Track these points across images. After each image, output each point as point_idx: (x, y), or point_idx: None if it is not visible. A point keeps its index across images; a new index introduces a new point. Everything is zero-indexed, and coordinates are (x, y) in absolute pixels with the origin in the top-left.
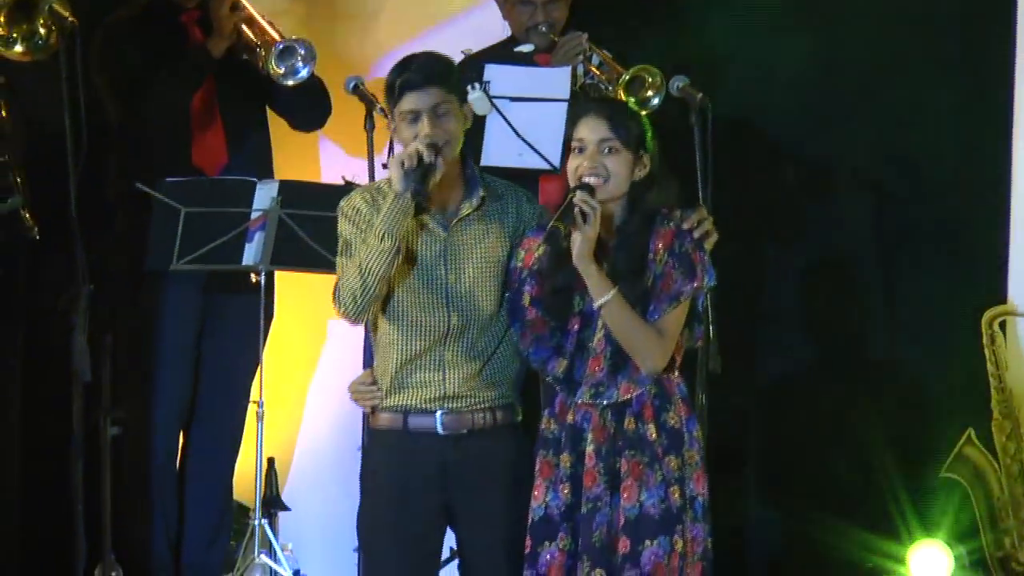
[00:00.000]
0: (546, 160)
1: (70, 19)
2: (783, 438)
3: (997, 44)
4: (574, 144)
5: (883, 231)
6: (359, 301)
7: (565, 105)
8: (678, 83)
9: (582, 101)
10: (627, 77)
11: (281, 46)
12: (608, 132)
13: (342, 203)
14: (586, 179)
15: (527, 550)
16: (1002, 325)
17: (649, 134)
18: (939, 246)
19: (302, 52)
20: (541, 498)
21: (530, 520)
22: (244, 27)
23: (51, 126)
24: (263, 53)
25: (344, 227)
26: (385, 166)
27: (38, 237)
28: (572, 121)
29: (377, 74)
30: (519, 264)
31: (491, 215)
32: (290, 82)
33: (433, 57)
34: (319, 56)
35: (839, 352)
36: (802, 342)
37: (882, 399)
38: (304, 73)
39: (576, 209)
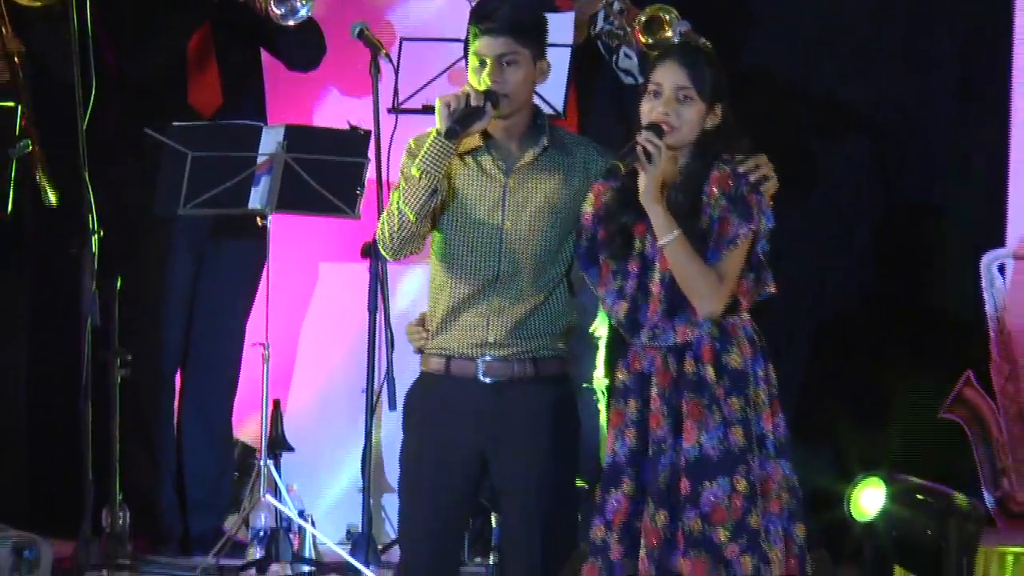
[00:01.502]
0: (549, 104)
1: None
2: (789, 378)
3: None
4: (651, 87)
5: (888, 177)
6: (396, 238)
7: (568, 50)
8: (681, 27)
9: (666, 46)
10: (643, 18)
11: None
12: (686, 80)
13: (411, 140)
14: (659, 123)
15: (597, 499)
16: (1001, 268)
17: (725, 84)
18: (940, 191)
19: None
20: (611, 447)
21: (604, 469)
22: None
23: (57, 72)
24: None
25: (405, 162)
26: (391, 111)
27: (55, 202)
28: (652, 64)
29: (388, 18)
30: (590, 209)
31: (555, 165)
32: (290, 22)
33: (516, 6)
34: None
35: (835, 290)
36: (799, 283)
37: (885, 343)
38: (303, 13)
39: (640, 148)
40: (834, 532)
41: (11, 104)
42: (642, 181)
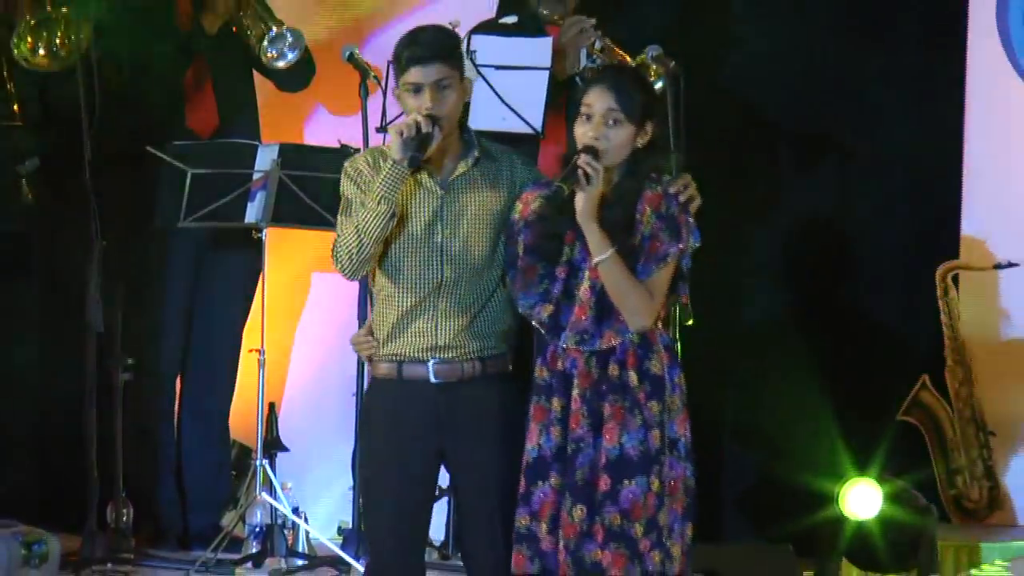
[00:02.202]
0: (528, 124)
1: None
2: (756, 385)
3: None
4: (582, 109)
5: (849, 195)
6: (355, 260)
7: (547, 73)
8: (652, 52)
9: (598, 68)
10: (634, 64)
11: (273, 34)
12: (614, 103)
13: (346, 164)
14: (593, 145)
15: (522, 490)
16: (955, 279)
17: (655, 104)
18: (899, 207)
19: (290, 39)
20: (535, 441)
21: (525, 462)
22: (236, 8)
23: (60, 92)
24: (253, 35)
25: (347, 186)
26: (378, 130)
27: (33, 200)
28: (586, 86)
29: (374, 46)
30: (516, 216)
31: (486, 175)
32: (280, 65)
33: (440, 33)
34: (320, 25)
35: (807, 305)
36: (768, 292)
37: (845, 348)
38: (292, 57)
39: (580, 171)
40: (801, 528)
41: (19, 124)
42: (579, 201)
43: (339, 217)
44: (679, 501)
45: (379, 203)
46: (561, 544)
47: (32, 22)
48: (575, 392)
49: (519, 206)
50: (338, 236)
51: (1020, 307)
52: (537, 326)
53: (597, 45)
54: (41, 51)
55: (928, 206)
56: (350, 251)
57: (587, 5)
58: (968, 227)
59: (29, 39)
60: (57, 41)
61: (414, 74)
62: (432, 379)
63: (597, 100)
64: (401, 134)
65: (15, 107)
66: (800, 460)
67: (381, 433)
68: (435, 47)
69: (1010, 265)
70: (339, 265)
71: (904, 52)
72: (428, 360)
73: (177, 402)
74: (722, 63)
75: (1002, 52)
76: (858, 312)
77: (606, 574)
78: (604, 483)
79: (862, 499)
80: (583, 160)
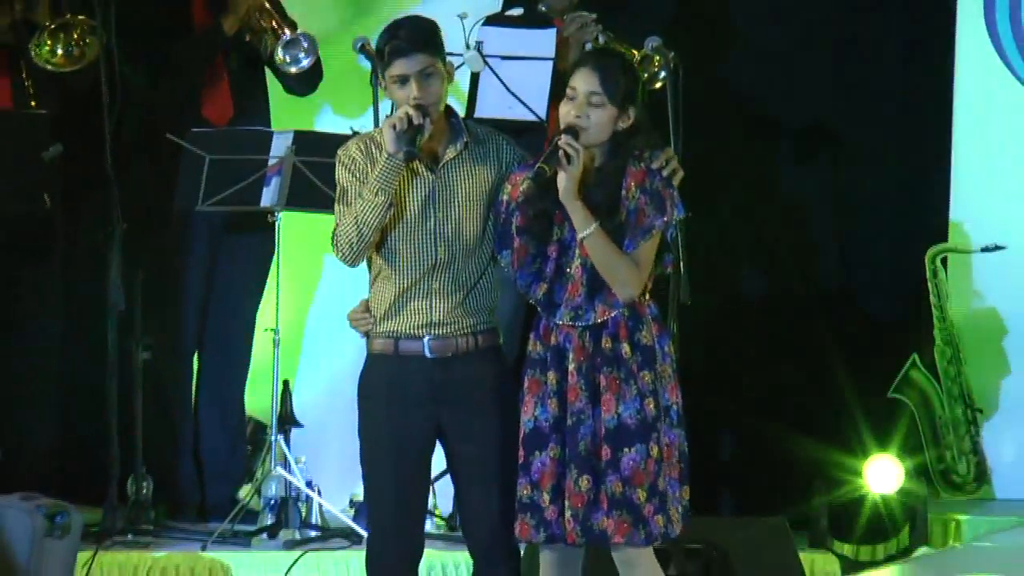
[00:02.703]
0: (533, 112)
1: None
2: (752, 363)
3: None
4: (568, 91)
5: (841, 179)
6: (355, 248)
7: (551, 63)
8: (652, 42)
9: (584, 53)
10: (638, 57)
11: (287, 39)
12: (596, 86)
13: (340, 152)
14: (573, 126)
15: (520, 460)
16: (944, 261)
17: (639, 88)
18: (892, 193)
19: (305, 45)
20: (531, 413)
21: (522, 433)
22: (256, 13)
23: (80, 82)
24: (269, 40)
25: (341, 174)
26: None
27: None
28: (571, 69)
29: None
30: (505, 197)
31: (475, 157)
32: (292, 70)
33: (418, 23)
34: (345, 14)
35: (799, 284)
36: (766, 275)
37: (838, 328)
38: (305, 63)
39: (560, 151)
40: (794, 501)
41: (44, 112)
42: (562, 180)
43: (336, 206)
44: (674, 467)
45: (376, 194)
46: (569, 514)
47: (51, 27)
48: (571, 366)
49: (508, 187)
50: (337, 225)
51: (1007, 289)
52: (533, 303)
53: (600, 40)
54: (60, 53)
55: (918, 192)
56: (350, 240)
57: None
58: (956, 211)
59: (48, 43)
60: (74, 44)
61: (398, 66)
62: (428, 354)
63: (581, 82)
64: (394, 127)
65: (32, 102)
66: (799, 434)
67: (379, 407)
68: (415, 38)
69: (996, 248)
70: (339, 254)
71: (895, 47)
72: (424, 336)
73: (195, 380)
74: (720, 56)
75: (990, 48)
76: (850, 293)
77: (611, 540)
78: (605, 453)
79: (883, 474)
80: (563, 140)
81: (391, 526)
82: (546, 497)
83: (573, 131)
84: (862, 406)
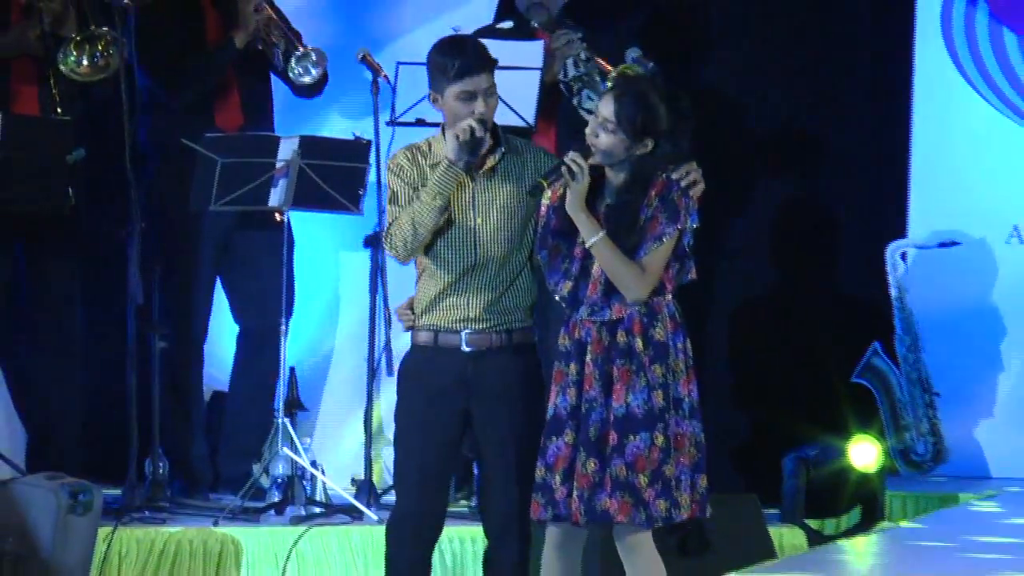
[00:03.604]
0: (522, 118)
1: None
2: (720, 349)
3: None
4: (594, 112)
5: (808, 181)
6: (409, 246)
7: (539, 72)
8: (632, 54)
9: (620, 79)
10: (613, 73)
11: (299, 53)
12: (612, 114)
13: (389, 161)
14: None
15: (541, 445)
16: (903, 256)
17: (657, 119)
18: (854, 192)
19: (314, 58)
20: (553, 400)
21: (546, 419)
22: (264, 26)
23: (101, 91)
24: (281, 51)
25: (391, 180)
26: (388, 123)
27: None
28: (608, 90)
29: (396, 46)
30: (546, 202)
31: (512, 168)
32: (305, 80)
33: (480, 45)
34: (339, 31)
35: (770, 279)
36: (739, 270)
37: (807, 318)
38: (315, 74)
39: (564, 167)
40: (765, 479)
41: (68, 119)
42: (569, 194)
43: (389, 207)
44: (687, 455)
45: (434, 198)
46: (575, 493)
47: (78, 38)
48: (588, 358)
49: (548, 193)
50: (391, 224)
51: (962, 282)
52: (559, 300)
53: (583, 56)
54: (85, 63)
55: (880, 193)
56: (405, 239)
57: (572, 12)
58: (915, 210)
59: (75, 53)
60: (99, 55)
61: (468, 83)
62: (464, 348)
63: (603, 106)
64: (458, 138)
65: (58, 109)
66: (768, 418)
67: (415, 394)
68: (484, 58)
69: (953, 244)
70: (393, 251)
71: (859, 57)
72: (461, 331)
73: (231, 372)
74: (698, 66)
75: (946, 56)
76: (818, 287)
77: (613, 519)
78: (612, 438)
79: (865, 454)
80: (569, 157)
81: (417, 503)
82: (558, 479)
83: (586, 148)
84: (827, 391)
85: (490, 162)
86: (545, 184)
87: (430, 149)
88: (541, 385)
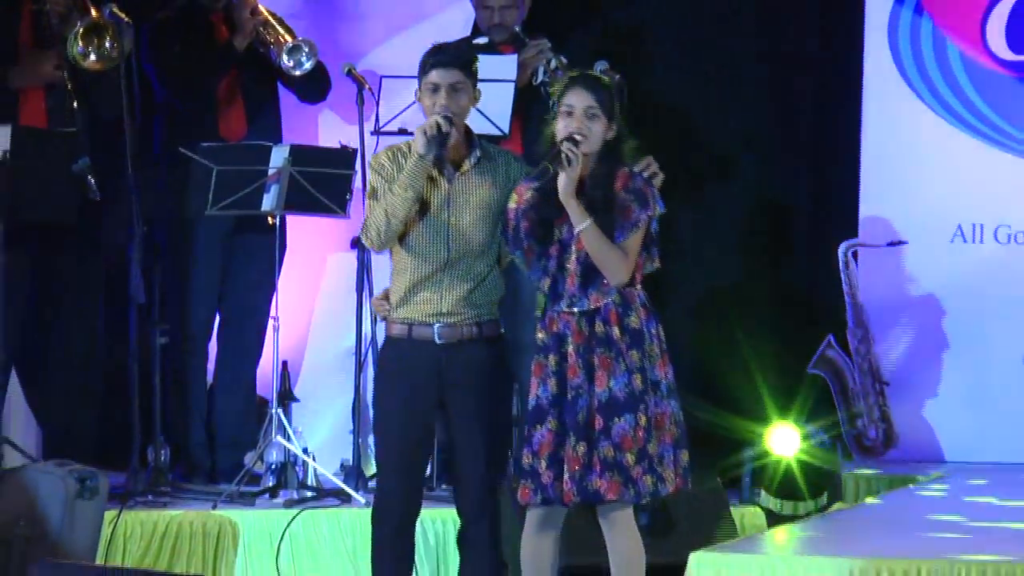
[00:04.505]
0: (496, 127)
1: (127, 20)
2: (689, 345)
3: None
4: (563, 109)
5: (763, 183)
6: (383, 236)
7: (512, 85)
8: (600, 66)
9: (573, 75)
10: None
11: (290, 45)
12: (592, 101)
13: (371, 159)
14: (574, 135)
15: (525, 434)
16: (855, 254)
17: (617, 107)
18: (808, 193)
19: (306, 50)
20: (534, 392)
21: (528, 409)
22: (261, 28)
23: (108, 105)
24: (276, 49)
25: (372, 177)
26: (373, 133)
27: (99, 198)
28: (562, 90)
29: (369, 61)
30: (513, 205)
31: (486, 171)
32: (297, 72)
33: (460, 47)
34: (324, 46)
35: (729, 275)
36: (698, 268)
37: (764, 313)
38: (308, 66)
39: (563, 155)
40: (726, 463)
41: (73, 130)
42: (562, 180)
43: (368, 201)
44: (668, 433)
45: (406, 190)
46: (567, 475)
47: (84, 28)
48: (570, 348)
49: (515, 196)
50: (368, 217)
51: (909, 279)
52: (542, 294)
53: (552, 64)
54: (93, 57)
55: (832, 193)
56: (379, 229)
57: (529, 29)
58: (865, 211)
59: (81, 43)
60: (107, 45)
61: (434, 76)
62: (437, 340)
63: (577, 99)
64: (425, 133)
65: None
66: (728, 406)
67: (392, 384)
68: (455, 56)
69: (900, 243)
70: (368, 240)
71: (810, 65)
72: (434, 324)
73: (214, 363)
74: (655, 77)
75: (892, 64)
76: (773, 283)
77: (604, 498)
78: (598, 422)
79: (784, 440)
80: (566, 146)
81: (397, 487)
82: (543, 464)
83: (573, 140)
84: (785, 381)
85: (465, 166)
86: (551, 167)
87: (409, 149)
88: (509, 374)
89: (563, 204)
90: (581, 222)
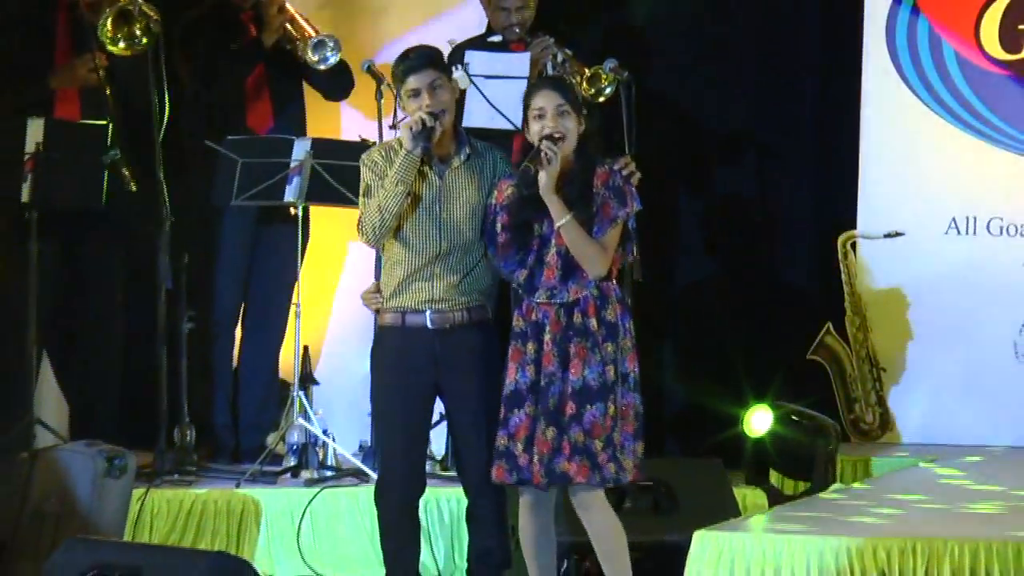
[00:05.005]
0: (511, 122)
1: (155, 18)
2: (693, 331)
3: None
4: (534, 112)
5: (766, 176)
6: (378, 231)
7: (525, 81)
8: (610, 64)
9: (536, 79)
10: (588, 74)
11: (315, 40)
12: (561, 100)
13: (363, 156)
14: (552, 134)
15: (501, 416)
16: (853, 245)
17: (581, 101)
18: (809, 188)
19: (331, 44)
20: (512, 377)
21: (504, 394)
22: (288, 25)
23: (139, 98)
24: (302, 45)
25: (365, 174)
26: (392, 127)
27: (135, 189)
28: (528, 95)
29: (385, 57)
30: (493, 201)
31: (474, 167)
32: (322, 67)
33: (425, 47)
34: (344, 44)
35: (733, 266)
36: (705, 258)
37: (766, 302)
38: (332, 60)
39: (543, 154)
40: (728, 445)
41: (104, 122)
42: (543, 178)
43: (361, 199)
44: (630, 424)
45: (396, 185)
46: (535, 458)
47: (115, 14)
48: (547, 337)
49: (496, 193)
50: (362, 213)
51: (905, 269)
52: (516, 287)
53: (559, 59)
54: (122, 44)
55: (832, 187)
56: (374, 225)
57: (537, 28)
58: (863, 204)
59: (110, 29)
60: (137, 30)
61: (412, 81)
62: (429, 325)
63: (546, 101)
64: (411, 129)
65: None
66: (731, 389)
67: (389, 370)
68: (424, 57)
69: (897, 235)
70: (363, 236)
71: (811, 61)
72: (426, 310)
73: (238, 347)
74: (657, 75)
75: (890, 63)
76: (775, 273)
77: (573, 481)
78: (570, 408)
79: (759, 420)
80: (546, 145)
81: (399, 467)
82: (519, 447)
83: (552, 138)
84: (785, 367)
85: (455, 162)
86: (533, 167)
87: (400, 146)
88: (500, 356)
89: (544, 200)
90: (562, 217)
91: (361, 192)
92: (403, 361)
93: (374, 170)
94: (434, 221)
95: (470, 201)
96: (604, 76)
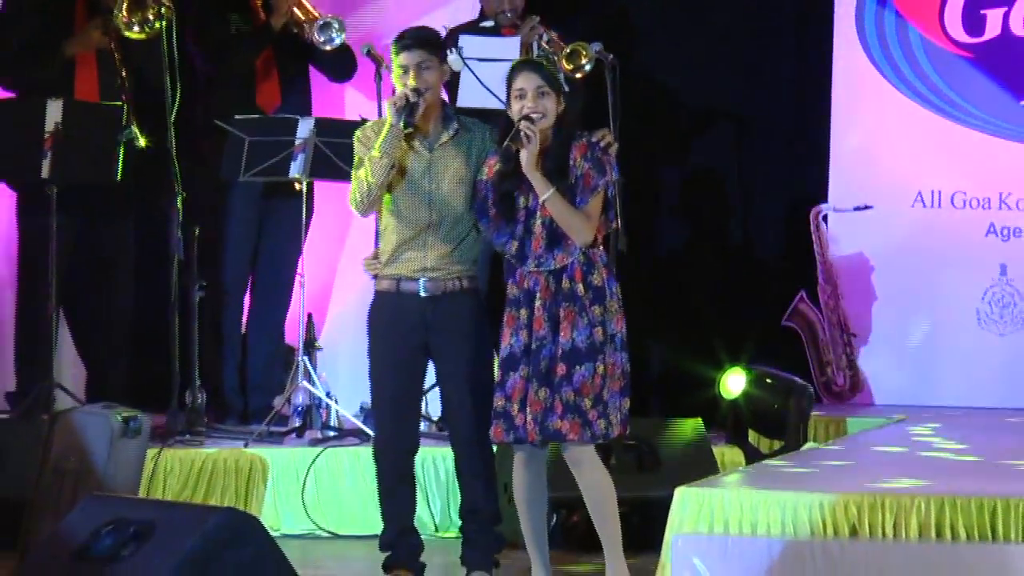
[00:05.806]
0: (503, 102)
1: (167, 3)
2: (672, 298)
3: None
4: (515, 92)
5: (743, 153)
6: (365, 202)
7: None
8: (596, 47)
9: (515, 61)
10: (567, 50)
11: (321, 22)
12: (541, 81)
13: (357, 132)
14: (530, 114)
15: (498, 379)
16: (824, 218)
17: (559, 81)
18: (783, 163)
19: (336, 26)
20: (507, 341)
21: (500, 357)
22: (295, 9)
23: (152, 79)
24: (308, 27)
25: (358, 148)
26: None
27: (144, 144)
28: (511, 76)
29: (386, 41)
30: (483, 177)
31: (462, 142)
32: (327, 48)
33: (423, 28)
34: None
35: (712, 236)
36: (686, 228)
37: (741, 271)
38: (338, 41)
39: (523, 134)
40: (708, 406)
41: (120, 103)
42: (524, 156)
43: (353, 171)
44: (617, 382)
45: (381, 157)
46: (529, 417)
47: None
48: (538, 303)
49: (484, 169)
50: (353, 184)
51: (874, 239)
52: (508, 257)
53: (544, 39)
54: (136, 29)
55: (804, 161)
56: (361, 194)
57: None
58: (834, 179)
59: (125, 14)
60: (151, 15)
61: (402, 58)
62: (422, 293)
63: (526, 82)
64: (394, 104)
65: (121, 95)
66: (710, 352)
67: (383, 334)
68: (417, 38)
69: (866, 207)
70: (353, 206)
71: (785, 44)
72: (419, 278)
73: (246, 314)
74: (642, 57)
75: (859, 44)
76: (751, 243)
77: (565, 438)
78: (561, 369)
79: (734, 383)
80: (524, 125)
81: (392, 427)
82: (515, 407)
83: (530, 118)
84: (760, 332)
85: (444, 137)
86: (515, 146)
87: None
88: (488, 322)
89: (528, 177)
90: (545, 191)
91: (354, 165)
92: (396, 326)
93: (366, 144)
94: (424, 193)
95: (458, 174)
96: (584, 53)
